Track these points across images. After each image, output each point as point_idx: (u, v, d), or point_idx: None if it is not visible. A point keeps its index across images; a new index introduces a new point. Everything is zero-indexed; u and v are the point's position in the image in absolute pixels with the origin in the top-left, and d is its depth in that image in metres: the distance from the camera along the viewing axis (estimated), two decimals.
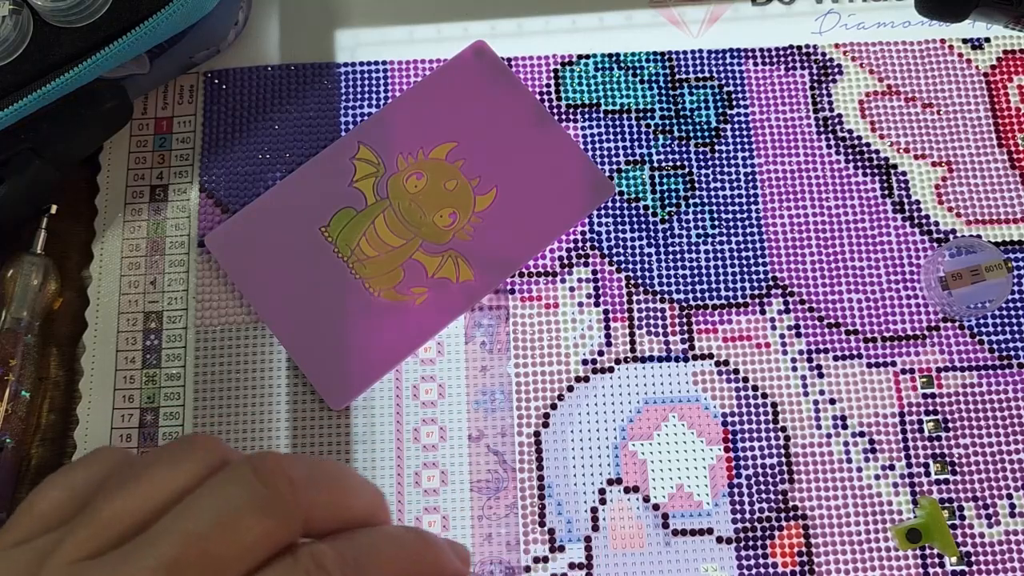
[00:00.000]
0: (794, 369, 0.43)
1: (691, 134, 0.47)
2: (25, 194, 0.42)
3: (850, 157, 0.46)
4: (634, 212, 0.45)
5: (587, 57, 0.48)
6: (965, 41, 0.48)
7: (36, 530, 0.20)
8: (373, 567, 0.20)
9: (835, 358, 0.43)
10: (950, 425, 0.42)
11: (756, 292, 0.44)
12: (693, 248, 0.45)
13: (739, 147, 0.46)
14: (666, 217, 0.45)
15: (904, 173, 0.46)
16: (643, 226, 0.45)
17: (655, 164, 0.46)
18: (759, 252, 0.45)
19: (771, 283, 0.44)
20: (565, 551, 0.41)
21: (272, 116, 0.47)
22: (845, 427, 0.42)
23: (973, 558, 0.41)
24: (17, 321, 0.42)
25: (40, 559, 0.19)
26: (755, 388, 0.43)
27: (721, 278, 0.45)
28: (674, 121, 0.47)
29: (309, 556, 0.19)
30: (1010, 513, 0.41)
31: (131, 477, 0.20)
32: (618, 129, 0.47)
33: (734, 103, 0.47)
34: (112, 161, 0.46)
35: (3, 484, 0.40)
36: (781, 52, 0.48)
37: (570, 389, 0.43)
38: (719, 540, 0.41)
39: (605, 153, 0.46)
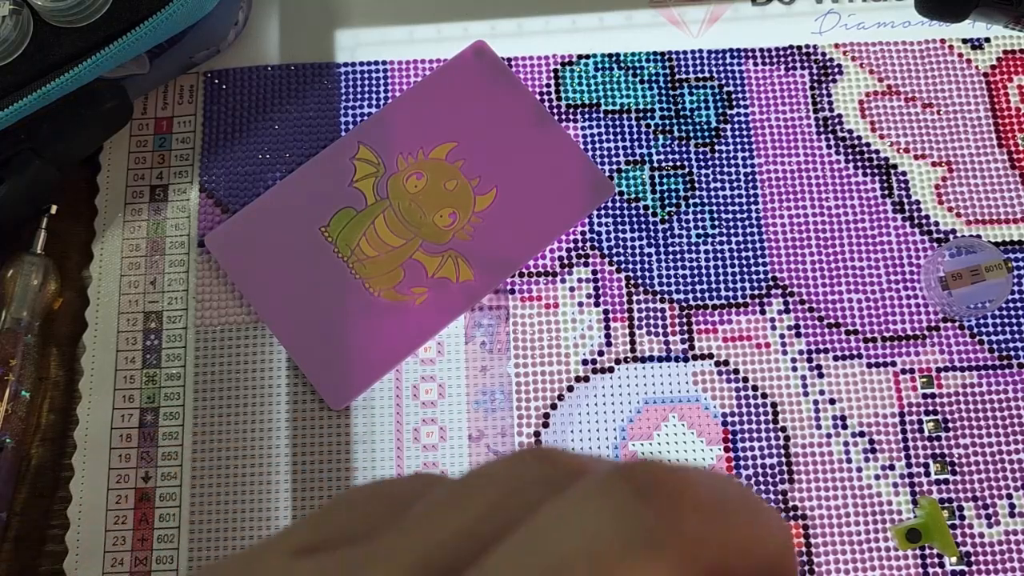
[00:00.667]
0: (794, 369, 0.43)
1: (691, 134, 0.47)
2: (25, 194, 0.42)
3: (850, 157, 0.46)
4: (634, 212, 0.45)
5: (587, 57, 0.48)
6: (965, 41, 0.48)
7: (337, 538, 0.15)
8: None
9: (835, 358, 0.43)
10: (950, 425, 0.42)
11: (756, 292, 0.44)
12: (693, 248, 0.45)
13: (739, 147, 0.46)
14: (666, 217, 0.45)
15: (904, 173, 0.46)
16: (643, 226, 0.45)
17: (655, 164, 0.46)
18: (759, 252, 0.45)
19: (771, 283, 0.44)
20: None
21: (272, 116, 0.47)
22: (845, 427, 0.42)
23: (973, 558, 0.41)
24: (17, 321, 0.42)
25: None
26: (755, 388, 0.43)
27: (721, 278, 0.45)
28: (674, 121, 0.47)
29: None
30: (1010, 513, 0.41)
31: (462, 491, 0.14)
32: (618, 129, 0.47)
33: (734, 103, 0.47)
34: (112, 161, 0.46)
35: (3, 484, 0.40)
36: (781, 52, 0.48)
37: (570, 389, 0.43)
38: None
39: (605, 153, 0.46)
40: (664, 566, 0.12)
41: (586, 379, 0.43)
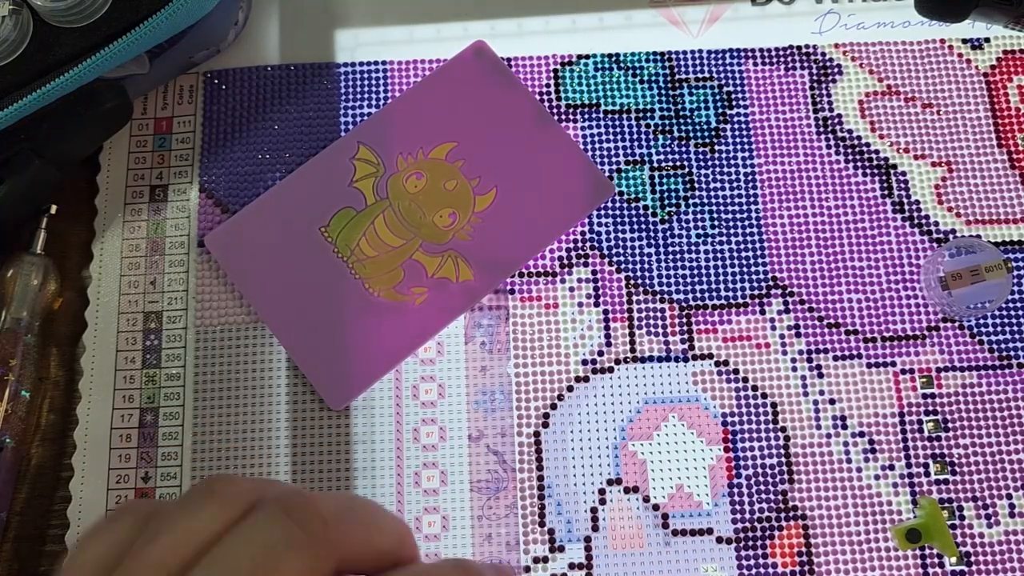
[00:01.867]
0: (794, 369, 0.43)
1: (691, 134, 0.47)
2: (25, 194, 0.42)
3: (850, 157, 0.46)
4: (634, 212, 0.45)
5: (587, 57, 0.48)
6: (965, 41, 0.48)
7: None
8: None
9: (835, 358, 0.43)
10: (950, 425, 0.42)
11: (756, 292, 0.44)
12: (693, 248, 0.45)
13: (739, 147, 0.46)
14: (666, 217, 0.45)
15: (904, 173, 0.46)
16: (643, 226, 0.45)
17: (655, 164, 0.46)
18: (759, 252, 0.45)
19: (771, 283, 0.44)
20: (565, 551, 0.41)
21: (272, 116, 0.47)
22: (845, 427, 0.42)
23: (973, 558, 0.41)
24: (17, 321, 0.42)
25: None
26: (755, 388, 0.43)
27: (721, 278, 0.45)
28: (674, 121, 0.47)
29: None
30: (1010, 513, 0.41)
31: (164, 527, 0.20)
32: (618, 129, 0.47)
33: (734, 103, 0.47)
34: (112, 161, 0.46)
35: (3, 484, 0.40)
36: (781, 52, 0.48)
37: (570, 389, 0.43)
38: (719, 540, 0.41)
39: (605, 153, 0.46)
40: (307, 562, 0.18)
41: (586, 379, 0.43)
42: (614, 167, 0.46)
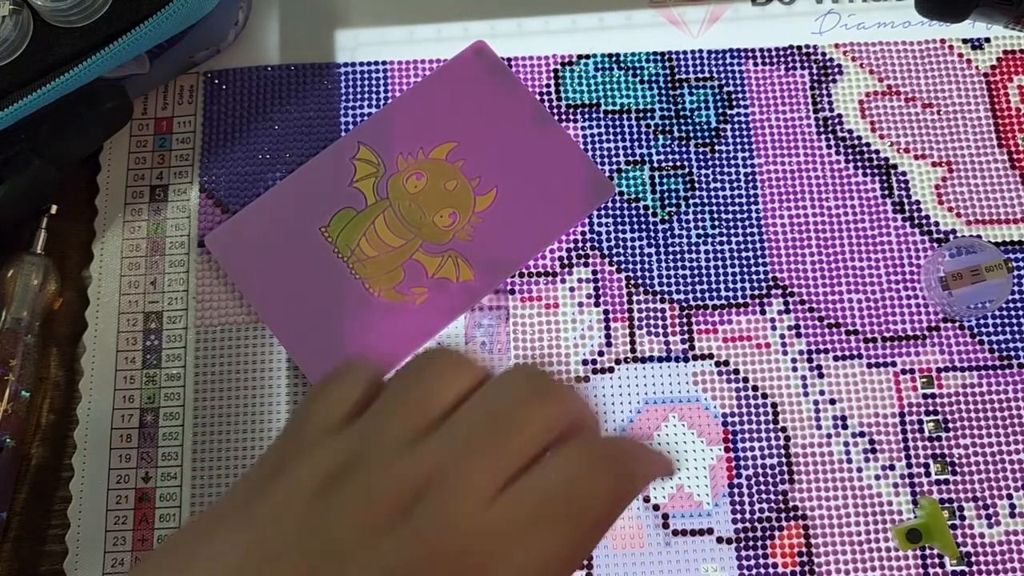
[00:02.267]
0: (794, 369, 0.43)
1: (691, 134, 0.47)
2: (25, 194, 0.42)
3: (850, 157, 0.46)
4: (634, 212, 0.45)
5: (587, 57, 0.48)
6: (965, 41, 0.48)
7: (335, 421, 0.23)
8: (641, 462, 0.25)
9: (835, 358, 0.43)
10: (950, 425, 0.42)
11: (756, 292, 0.44)
12: (693, 248, 0.45)
13: (739, 147, 0.46)
14: (666, 217, 0.45)
15: (904, 173, 0.46)
16: (643, 226, 0.45)
17: (655, 164, 0.46)
18: (759, 252, 0.45)
19: (771, 283, 0.44)
20: None
21: (272, 116, 0.47)
22: (845, 427, 0.42)
23: (973, 558, 0.41)
24: (17, 321, 0.42)
25: (363, 441, 0.22)
26: (755, 388, 0.43)
27: (721, 278, 0.45)
28: (674, 121, 0.47)
29: (597, 443, 0.23)
30: (1010, 513, 0.41)
31: (426, 374, 0.24)
32: (618, 129, 0.47)
33: (734, 103, 0.47)
34: (112, 161, 0.46)
35: (3, 484, 0.40)
36: (781, 52, 0.48)
37: None
38: (719, 540, 0.41)
39: (605, 153, 0.46)
40: (556, 409, 0.23)
41: (586, 379, 0.43)
42: (614, 167, 0.46)
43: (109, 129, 0.44)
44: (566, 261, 0.45)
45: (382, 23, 0.49)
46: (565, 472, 0.22)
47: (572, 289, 0.44)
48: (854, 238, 0.45)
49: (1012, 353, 0.43)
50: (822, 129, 0.47)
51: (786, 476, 0.42)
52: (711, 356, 0.43)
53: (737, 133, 0.47)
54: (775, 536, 0.41)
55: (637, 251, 0.45)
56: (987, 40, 0.48)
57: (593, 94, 0.47)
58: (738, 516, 0.41)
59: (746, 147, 0.46)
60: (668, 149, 0.46)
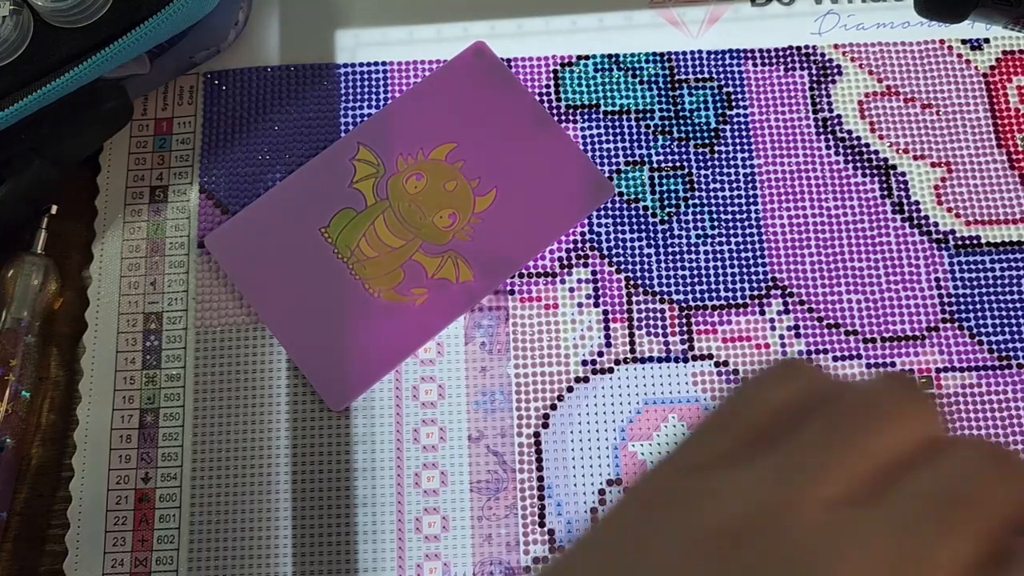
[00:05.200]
0: None
1: (690, 135, 0.47)
2: (25, 194, 0.42)
3: (849, 158, 0.46)
4: (634, 213, 0.45)
5: (587, 58, 0.48)
6: (964, 42, 0.48)
7: (743, 440, 0.19)
8: None
9: (835, 359, 0.43)
10: (950, 426, 0.42)
11: (755, 293, 0.44)
12: (693, 249, 0.45)
13: (738, 148, 0.46)
14: (666, 218, 0.45)
15: (903, 174, 0.46)
16: (643, 227, 0.45)
17: (655, 165, 0.46)
18: (758, 253, 0.45)
19: (770, 284, 0.45)
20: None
21: (272, 117, 0.47)
22: None
23: None
24: (17, 321, 0.42)
25: (785, 484, 0.18)
26: None
27: (721, 279, 0.45)
28: (674, 122, 0.47)
29: None
30: None
31: (882, 415, 0.19)
32: (618, 130, 0.47)
33: (733, 104, 0.47)
34: (112, 162, 0.46)
35: (3, 484, 0.40)
36: (781, 53, 0.48)
37: (570, 390, 0.43)
38: None
39: (605, 154, 0.46)
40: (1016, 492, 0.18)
41: (586, 380, 0.43)
42: (614, 168, 0.46)
43: (109, 129, 0.44)
44: (566, 261, 0.45)
45: (382, 23, 0.49)
46: None
47: (572, 289, 0.44)
48: (853, 239, 0.45)
49: (1012, 353, 0.43)
50: (821, 130, 0.47)
51: None
52: (711, 356, 0.43)
53: (736, 134, 0.47)
54: None
55: (637, 252, 0.45)
56: (986, 41, 0.48)
57: (593, 95, 0.47)
58: None
59: (745, 148, 0.46)
60: (667, 150, 0.46)
